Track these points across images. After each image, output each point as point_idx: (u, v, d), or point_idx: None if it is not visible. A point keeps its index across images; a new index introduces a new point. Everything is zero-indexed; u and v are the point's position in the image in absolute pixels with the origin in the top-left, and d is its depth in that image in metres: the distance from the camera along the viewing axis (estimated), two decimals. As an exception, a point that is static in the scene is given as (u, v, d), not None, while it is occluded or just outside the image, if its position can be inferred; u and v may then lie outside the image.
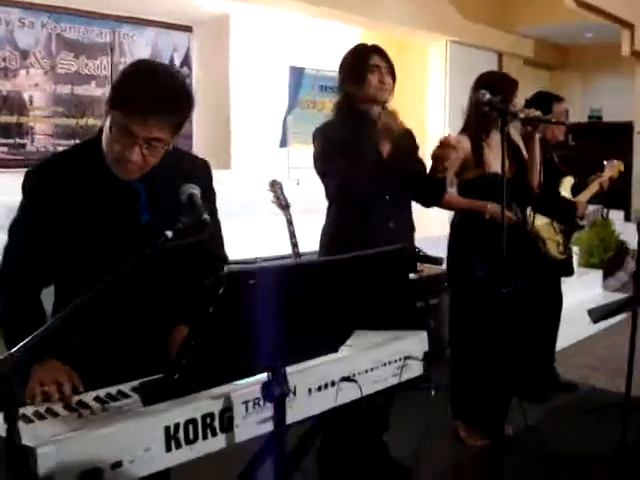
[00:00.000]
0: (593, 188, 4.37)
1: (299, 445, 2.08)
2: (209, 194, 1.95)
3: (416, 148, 3.06)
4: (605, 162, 4.48)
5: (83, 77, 8.40)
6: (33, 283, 1.91)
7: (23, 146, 8.12)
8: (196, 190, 1.69)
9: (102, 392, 1.67)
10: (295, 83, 9.41)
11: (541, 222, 4.08)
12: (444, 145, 2.76)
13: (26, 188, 1.89)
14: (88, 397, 1.64)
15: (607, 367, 4.83)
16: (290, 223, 3.77)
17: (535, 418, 3.78)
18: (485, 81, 3.44)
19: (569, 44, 12.60)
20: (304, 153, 9.23)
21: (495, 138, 3.48)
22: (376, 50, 2.91)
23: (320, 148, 2.89)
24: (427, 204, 3.13)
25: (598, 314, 2.60)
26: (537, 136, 3.43)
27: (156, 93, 1.73)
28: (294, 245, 3.76)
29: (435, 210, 3.62)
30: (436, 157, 2.79)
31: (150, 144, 1.75)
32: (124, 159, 1.76)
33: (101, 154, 1.83)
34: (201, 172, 2.04)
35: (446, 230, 3.76)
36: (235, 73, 9.41)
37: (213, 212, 1.98)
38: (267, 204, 5.62)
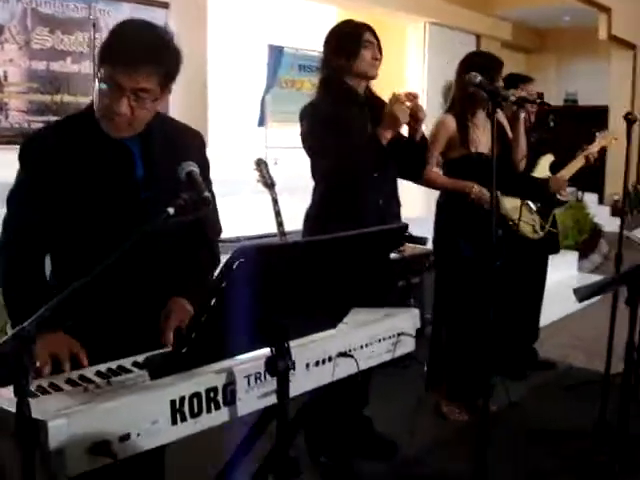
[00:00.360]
0: (578, 163, 4.30)
1: (294, 421, 2.10)
2: (203, 165, 1.96)
3: None
4: (597, 133, 4.41)
5: (58, 53, 8.27)
6: (34, 252, 1.91)
7: (-4, 122, 7.99)
8: (195, 167, 1.71)
9: (103, 367, 1.67)
10: (274, 62, 9.36)
11: (510, 204, 4.06)
12: (393, 100, 2.75)
13: (22, 159, 1.91)
14: (89, 372, 1.64)
15: (584, 346, 4.92)
16: (275, 202, 3.77)
17: (516, 395, 3.85)
18: (472, 61, 3.47)
19: (547, 27, 12.70)
20: (282, 132, 9.23)
21: (480, 118, 3.53)
22: (368, 27, 2.92)
23: (310, 127, 2.86)
24: (412, 177, 3.11)
25: (583, 293, 2.64)
26: (522, 116, 3.46)
27: (140, 44, 1.78)
28: (279, 224, 3.77)
29: (420, 191, 3.65)
30: (392, 114, 2.73)
31: (137, 95, 1.78)
32: (113, 112, 1.79)
33: (92, 120, 1.86)
34: (195, 141, 2.08)
35: (430, 210, 3.79)
36: (213, 51, 9.32)
37: (209, 185, 2.01)
38: (246, 182, 5.59)
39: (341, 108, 2.84)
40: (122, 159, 1.90)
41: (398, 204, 3.09)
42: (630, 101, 11.65)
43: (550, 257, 4.67)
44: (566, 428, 3.44)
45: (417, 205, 6.52)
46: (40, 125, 7.95)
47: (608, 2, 10.01)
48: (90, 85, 8.13)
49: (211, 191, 2.03)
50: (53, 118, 8.01)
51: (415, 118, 2.80)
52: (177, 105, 9.73)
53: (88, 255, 1.83)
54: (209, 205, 1.63)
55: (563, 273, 6.29)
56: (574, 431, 3.38)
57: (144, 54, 1.77)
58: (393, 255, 4.58)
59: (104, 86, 1.78)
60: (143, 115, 1.84)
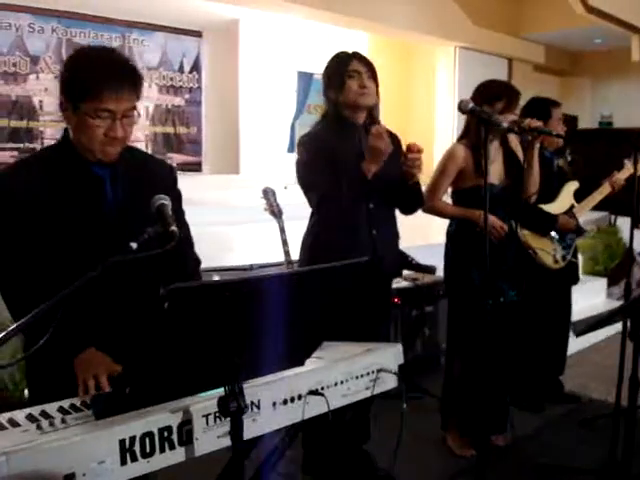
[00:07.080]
0: (604, 191, 4.21)
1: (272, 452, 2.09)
2: (174, 197, 1.98)
3: (399, 154, 2.91)
4: (626, 160, 4.26)
5: (93, 82, 8.45)
6: (31, 281, 1.91)
7: (33, 150, 8.21)
8: (166, 201, 1.72)
9: (66, 403, 1.68)
10: (303, 88, 9.47)
11: (530, 232, 4.01)
12: (412, 149, 2.73)
13: None
14: (51, 408, 1.65)
15: (605, 376, 4.78)
16: (282, 231, 3.78)
17: (530, 428, 3.76)
18: (486, 90, 3.40)
19: (579, 50, 12.54)
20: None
21: (492, 147, 3.42)
22: (355, 56, 2.90)
23: (304, 158, 2.85)
24: (405, 211, 3.09)
25: (581, 328, 2.58)
26: (537, 145, 3.37)
27: (113, 71, 1.88)
28: (286, 253, 3.77)
29: (433, 218, 3.60)
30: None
31: (126, 115, 1.90)
32: (111, 139, 1.89)
33: (64, 152, 1.96)
34: (164, 173, 2.15)
35: (428, 239, 3.74)
36: (244, 78, 9.48)
37: (180, 216, 2.08)
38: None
39: (336, 141, 2.82)
40: (93, 186, 1.96)
41: (395, 235, 3.06)
42: (666, 122, 11.42)
43: (577, 284, 4.55)
44: (575, 464, 3.34)
45: (417, 234, 6.43)
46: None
47: (640, 23, 9.86)
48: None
49: (184, 221, 2.08)
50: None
51: (413, 167, 2.77)
52: (209, 133, 9.95)
53: (59, 280, 1.85)
54: (175, 239, 1.63)
55: (590, 300, 6.13)
56: (581, 467, 3.28)
57: (123, 78, 1.88)
58: (406, 284, 4.55)
59: (93, 119, 1.86)
60: (130, 132, 1.95)
